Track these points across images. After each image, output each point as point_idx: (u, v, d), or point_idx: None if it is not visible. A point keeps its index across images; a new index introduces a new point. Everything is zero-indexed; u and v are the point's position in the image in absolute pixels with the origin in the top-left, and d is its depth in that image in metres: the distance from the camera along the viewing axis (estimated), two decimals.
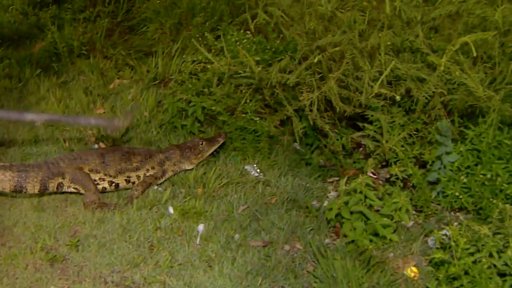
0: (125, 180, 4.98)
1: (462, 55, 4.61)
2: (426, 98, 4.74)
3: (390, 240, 4.30)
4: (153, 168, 5.08)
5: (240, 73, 5.41)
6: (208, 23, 6.65)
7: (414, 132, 4.93)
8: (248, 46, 5.54)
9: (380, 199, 4.44)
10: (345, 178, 4.55)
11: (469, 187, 4.57)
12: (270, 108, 5.59)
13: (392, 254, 4.28)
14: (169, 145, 5.42)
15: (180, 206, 4.63)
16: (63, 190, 4.85)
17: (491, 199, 4.47)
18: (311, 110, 5.02)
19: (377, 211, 4.36)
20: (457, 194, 4.57)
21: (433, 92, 4.70)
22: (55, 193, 4.87)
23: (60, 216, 4.62)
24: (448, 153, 4.59)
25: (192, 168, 5.26)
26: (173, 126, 5.66)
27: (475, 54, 4.38)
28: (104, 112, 5.89)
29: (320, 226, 4.54)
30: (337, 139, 5.19)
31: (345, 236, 4.32)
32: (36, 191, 4.78)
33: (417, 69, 4.76)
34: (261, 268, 4.09)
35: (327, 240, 4.42)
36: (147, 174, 5.05)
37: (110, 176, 4.92)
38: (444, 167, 4.63)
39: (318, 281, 3.97)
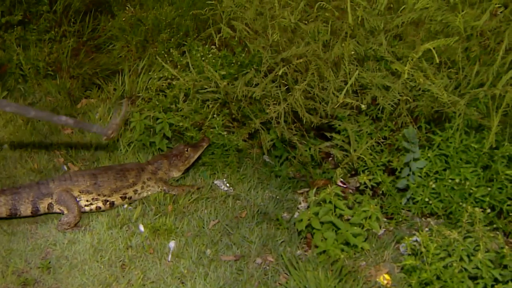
0: (121, 197, 4.96)
1: (426, 62, 4.64)
2: (392, 106, 4.76)
3: (362, 248, 4.31)
4: (149, 179, 5.07)
5: (207, 88, 5.40)
6: (173, 39, 6.64)
7: (382, 140, 4.95)
8: (213, 60, 5.54)
9: (350, 208, 4.44)
10: (315, 189, 4.56)
11: (439, 192, 4.59)
12: (237, 122, 5.58)
13: (364, 262, 4.28)
14: (153, 156, 5.41)
15: (150, 224, 4.60)
16: (53, 210, 4.82)
17: (460, 203, 4.50)
18: (278, 123, 5.03)
19: (348, 220, 4.37)
20: (426, 199, 4.59)
21: (399, 99, 4.72)
22: (47, 213, 4.85)
23: (30, 239, 4.56)
24: (416, 160, 4.60)
25: (180, 176, 5.29)
26: (141, 144, 5.63)
27: (437, 61, 4.41)
28: (72, 132, 5.86)
29: (291, 238, 4.54)
30: (306, 150, 5.19)
31: (316, 246, 4.32)
32: (29, 212, 4.76)
33: (382, 77, 4.78)
34: (234, 282, 4.08)
35: (298, 252, 4.42)
36: (144, 186, 5.05)
37: (104, 195, 4.88)
38: (413, 173, 4.64)
39: None
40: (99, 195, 4.87)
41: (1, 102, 4.70)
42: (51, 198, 4.78)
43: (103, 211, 4.90)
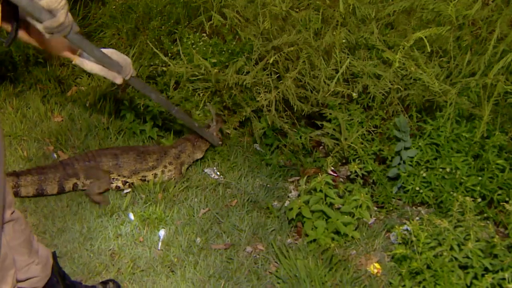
0: (140, 179, 4.99)
1: (418, 51, 4.64)
2: (383, 95, 4.75)
3: (352, 237, 4.31)
4: (170, 163, 5.07)
5: (197, 76, 5.39)
6: (164, 27, 6.61)
7: (373, 129, 4.94)
8: (204, 48, 5.52)
9: (341, 197, 4.44)
10: (305, 177, 4.55)
11: (429, 181, 4.59)
12: (228, 110, 5.57)
13: (354, 251, 4.28)
14: (176, 140, 5.38)
15: (140, 212, 4.59)
16: (77, 189, 4.88)
17: (451, 193, 4.50)
18: (269, 111, 5.02)
19: (338, 209, 4.36)
20: (417, 188, 4.59)
21: (390, 88, 4.72)
22: (70, 191, 4.88)
23: None
24: (407, 148, 4.60)
25: (203, 156, 5.31)
26: (132, 132, 5.61)
27: (429, 49, 4.41)
28: (62, 120, 5.83)
29: (281, 227, 4.53)
30: (297, 139, 5.18)
31: (306, 235, 4.31)
32: (55, 192, 4.80)
33: (373, 65, 4.77)
34: (224, 271, 4.07)
35: (289, 240, 4.41)
36: (165, 171, 5.06)
37: (124, 176, 4.92)
38: (404, 162, 4.64)
39: (281, 282, 3.96)
40: (119, 175, 4.91)
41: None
42: (77, 179, 4.82)
43: (122, 190, 4.96)
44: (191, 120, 4.95)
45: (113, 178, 4.90)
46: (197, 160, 5.29)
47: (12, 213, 3.08)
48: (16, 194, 4.72)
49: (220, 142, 5.27)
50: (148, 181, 4.99)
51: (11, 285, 3.01)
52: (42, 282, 3.28)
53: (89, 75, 6.45)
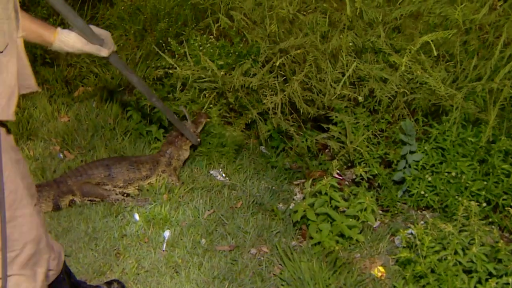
0: (136, 189, 4.99)
1: (424, 55, 4.64)
2: (389, 98, 4.76)
3: (357, 240, 4.30)
4: (164, 171, 5.07)
5: (204, 78, 5.40)
6: (172, 29, 6.62)
7: (379, 132, 4.94)
8: (211, 50, 5.53)
9: (346, 200, 4.44)
10: (311, 180, 4.55)
11: (435, 186, 4.58)
12: (235, 112, 5.58)
13: (358, 254, 4.28)
14: (160, 148, 5.31)
15: (145, 213, 4.60)
16: (77, 205, 4.84)
17: (456, 197, 4.49)
18: (275, 113, 5.02)
19: (343, 212, 4.36)
20: (422, 192, 4.59)
21: (396, 92, 4.72)
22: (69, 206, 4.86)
23: None
24: (412, 152, 4.60)
25: (189, 155, 5.30)
26: (138, 133, 5.63)
27: (435, 53, 4.41)
28: (69, 120, 5.85)
29: (286, 229, 4.53)
30: (302, 141, 5.19)
31: (311, 238, 4.31)
32: (50, 209, 4.76)
33: (380, 69, 4.77)
34: (228, 273, 4.07)
35: (293, 243, 4.41)
36: (159, 179, 5.05)
37: (119, 187, 4.91)
38: (409, 166, 4.64)
39: (285, 284, 3.96)
40: (114, 186, 4.89)
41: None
42: (73, 195, 4.80)
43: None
44: (171, 112, 4.92)
45: (109, 190, 4.89)
46: (186, 161, 5.33)
47: (35, 205, 3.10)
48: None
49: (198, 140, 5.23)
50: (148, 190, 4.99)
51: (45, 269, 3.02)
52: (53, 277, 3.29)
53: (96, 75, 6.47)
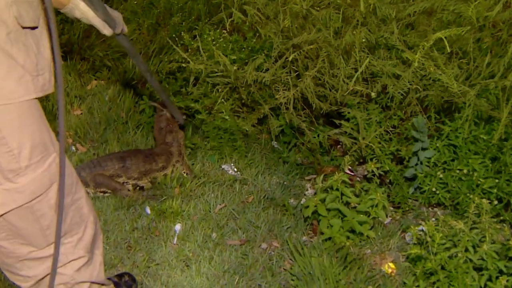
0: (151, 182, 5.02)
1: (438, 51, 4.63)
2: (402, 95, 4.75)
3: (367, 236, 4.31)
4: (177, 161, 5.14)
5: (217, 72, 5.40)
6: (185, 23, 6.63)
7: (391, 129, 4.93)
8: (224, 45, 5.54)
9: (357, 196, 4.44)
10: (322, 176, 4.55)
11: (446, 183, 4.58)
12: (247, 107, 5.58)
13: (369, 250, 4.28)
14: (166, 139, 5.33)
15: (157, 206, 4.62)
16: (91, 196, 4.86)
17: (467, 194, 4.48)
18: (287, 108, 5.03)
19: (354, 208, 4.36)
20: (434, 189, 4.58)
21: (409, 88, 4.71)
22: None
23: None
24: (424, 149, 4.59)
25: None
26: (150, 126, 5.64)
27: (448, 50, 4.40)
28: (82, 113, 5.87)
29: (297, 224, 4.54)
30: (314, 137, 5.19)
31: (322, 233, 4.31)
32: None
33: (393, 65, 4.77)
34: (238, 267, 4.08)
35: (304, 238, 4.42)
36: (174, 170, 5.12)
37: (134, 178, 4.94)
38: (421, 163, 4.63)
39: (295, 279, 3.97)
40: (129, 178, 4.92)
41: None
42: (87, 186, 4.81)
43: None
44: (164, 92, 4.94)
45: (123, 182, 4.93)
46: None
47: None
48: None
49: (184, 117, 5.18)
50: (158, 183, 5.03)
51: (102, 250, 3.07)
52: None
53: (109, 69, 6.48)
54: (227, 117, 5.30)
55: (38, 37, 2.39)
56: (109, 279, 3.80)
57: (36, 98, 2.36)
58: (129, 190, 4.86)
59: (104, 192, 4.85)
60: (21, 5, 2.23)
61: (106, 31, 3.55)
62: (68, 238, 2.76)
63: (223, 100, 5.45)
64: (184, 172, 5.13)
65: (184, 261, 4.13)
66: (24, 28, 2.27)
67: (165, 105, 5.08)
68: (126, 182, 4.93)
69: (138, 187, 4.97)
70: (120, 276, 3.89)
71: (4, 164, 2.33)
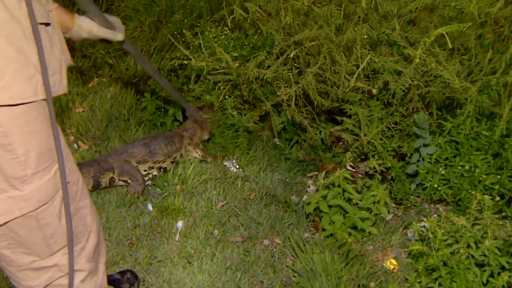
0: (171, 162, 5.14)
1: (439, 48, 4.62)
2: (404, 91, 4.74)
3: (369, 233, 4.31)
4: (189, 144, 5.27)
5: (218, 69, 5.40)
6: (186, 20, 6.62)
7: (393, 125, 4.93)
8: (226, 42, 5.54)
9: (359, 192, 4.44)
10: (324, 172, 4.55)
11: (448, 179, 4.57)
12: (249, 104, 5.59)
13: (371, 247, 4.28)
14: (183, 124, 5.56)
15: (159, 203, 4.62)
16: (115, 184, 4.94)
17: (469, 190, 4.48)
18: (289, 105, 5.02)
19: (356, 204, 4.37)
20: (436, 186, 4.58)
21: (410, 84, 4.71)
22: (108, 187, 4.93)
23: None
24: (426, 146, 4.59)
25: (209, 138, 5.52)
26: (152, 124, 5.65)
27: (450, 46, 4.39)
28: (83, 111, 5.86)
29: (299, 221, 4.54)
30: (316, 134, 5.18)
31: (323, 230, 4.32)
32: (90, 187, 4.83)
33: (394, 62, 4.76)
34: (240, 263, 4.09)
35: (306, 234, 4.42)
36: (186, 151, 5.27)
37: (159, 162, 5.05)
38: (423, 159, 4.63)
39: (297, 275, 3.97)
40: (154, 162, 5.02)
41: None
42: (113, 173, 4.88)
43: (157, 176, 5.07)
44: (176, 90, 5.01)
45: (149, 167, 5.02)
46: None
47: None
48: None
49: (200, 114, 5.40)
50: (177, 162, 5.17)
51: (105, 259, 3.10)
52: None
53: (111, 66, 6.48)
54: (234, 113, 5.30)
55: (51, 35, 2.38)
56: (111, 276, 3.81)
57: (44, 101, 2.33)
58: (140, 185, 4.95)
59: (125, 182, 4.90)
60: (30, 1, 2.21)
61: (117, 36, 3.60)
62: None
63: (225, 97, 5.45)
64: (197, 155, 5.29)
65: (186, 258, 4.14)
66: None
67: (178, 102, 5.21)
68: (152, 167, 5.03)
69: (162, 169, 5.08)
70: (122, 273, 3.89)
71: (10, 171, 2.30)
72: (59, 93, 2.40)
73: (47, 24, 2.34)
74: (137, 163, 4.95)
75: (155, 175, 5.05)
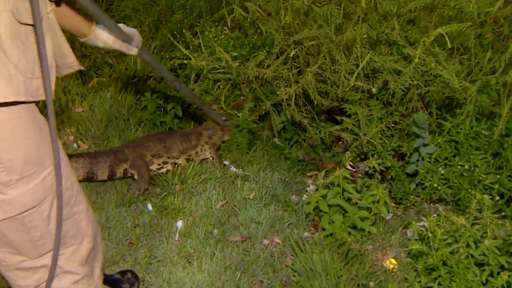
0: (186, 159, 5.18)
1: (439, 47, 4.62)
2: (403, 91, 4.74)
3: (369, 232, 4.31)
4: (206, 143, 5.27)
5: (218, 69, 5.41)
6: (186, 20, 6.62)
7: (392, 125, 4.93)
8: (225, 42, 5.54)
9: (359, 192, 4.44)
10: (323, 172, 4.55)
11: (448, 178, 4.57)
12: None
13: (371, 246, 4.28)
14: (205, 123, 5.53)
15: (158, 203, 4.62)
16: (127, 175, 4.99)
17: (469, 190, 4.48)
18: (289, 105, 5.02)
19: (356, 204, 4.36)
20: (435, 185, 4.58)
21: (410, 84, 4.71)
22: (122, 178, 4.99)
23: None
24: (425, 145, 4.59)
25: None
26: (152, 123, 5.65)
27: (449, 46, 4.39)
28: (83, 111, 5.87)
29: (299, 220, 4.54)
30: (316, 133, 5.18)
31: (323, 229, 4.32)
32: (106, 177, 4.89)
33: (394, 61, 4.76)
34: (240, 263, 4.09)
35: (305, 234, 4.42)
36: (202, 149, 5.28)
37: (174, 157, 5.09)
38: (422, 159, 4.63)
39: (297, 275, 3.97)
40: (168, 157, 5.07)
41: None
42: (126, 164, 4.93)
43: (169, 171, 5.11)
44: (197, 97, 5.02)
45: (163, 162, 5.06)
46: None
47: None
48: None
49: (223, 119, 5.36)
50: (192, 160, 5.21)
51: (101, 263, 3.09)
52: None
53: (111, 66, 6.48)
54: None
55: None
56: (111, 275, 3.81)
57: (32, 104, 2.32)
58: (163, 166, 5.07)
59: (131, 175, 4.94)
60: (19, 0, 2.20)
61: (132, 51, 3.64)
62: (62, 249, 2.73)
63: (225, 96, 5.46)
64: (210, 156, 5.30)
65: (185, 258, 4.14)
66: (22, 24, 2.24)
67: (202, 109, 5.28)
68: (166, 162, 5.07)
69: (176, 165, 5.12)
70: (123, 273, 3.89)
71: None
72: (41, 98, 2.34)
73: (35, 26, 2.30)
74: (152, 156, 5.01)
75: (168, 170, 5.09)
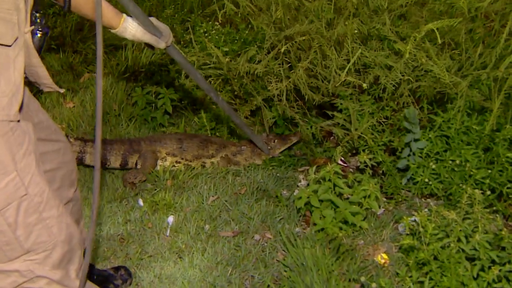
0: (201, 165, 5.20)
1: (430, 42, 4.63)
2: (394, 86, 4.75)
3: (360, 227, 4.31)
4: (224, 157, 5.25)
5: (209, 64, 5.40)
6: (177, 15, 6.63)
7: (383, 120, 4.93)
8: (216, 37, 5.54)
9: (350, 187, 4.44)
10: (315, 167, 4.55)
11: (439, 173, 4.57)
12: (240, 98, 5.58)
13: (362, 241, 4.28)
14: (241, 140, 5.52)
15: (150, 199, 4.62)
16: (136, 166, 5.05)
17: (460, 185, 4.48)
18: (280, 100, 5.03)
19: (347, 199, 4.36)
20: (426, 180, 4.58)
21: (401, 79, 4.71)
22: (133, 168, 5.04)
23: None
24: (416, 140, 4.59)
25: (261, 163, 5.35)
26: (143, 119, 5.65)
27: (439, 41, 4.40)
28: (74, 106, 5.86)
29: (290, 215, 4.53)
30: (307, 128, 5.19)
31: (314, 224, 4.31)
32: (118, 165, 4.98)
33: (385, 56, 4.77)
34: (231, 258, 4.09)
35: (297, 229, 4.41)
36: (217, 162, 5.27)
37: (187, 160, 5.12)
38: (413, 153, 4.63)
39: (288, 270, 3.97)
40: (182, 159, 5.10)
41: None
42: (137, 153, 5.01)
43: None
44: (236, 115, 4.99)
45: (176, 161, 5.12)
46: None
47: (75, 191, 3.12)
48: (81, 161, 4.92)
49: (270, 150, 5.30)
50: (206, 167, 5.22)
51: (78, 265, 3.02)
52: None
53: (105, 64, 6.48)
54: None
55: (11, 58, 2.34)
56: (105, 271, 3.81)
57: None
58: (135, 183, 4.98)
59: (135, 165, 5.02)
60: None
61: (160, 44, 3.66)
62: (33, 255, 2.68)
63: (218, 92, 5.46)
64: (220, 165, 5.27)
65: (177, 253, 4.14)
66: None
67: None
68: (179, 162, 5.13)
69: (189, 167, 5.16)
70: (116, 269, 3.89)
71: None
72: (1, 118, 2.31)
73: (7, 46, 2.29)
74: (166, 154, 5.07)
75: (180, 170, 5.10)
